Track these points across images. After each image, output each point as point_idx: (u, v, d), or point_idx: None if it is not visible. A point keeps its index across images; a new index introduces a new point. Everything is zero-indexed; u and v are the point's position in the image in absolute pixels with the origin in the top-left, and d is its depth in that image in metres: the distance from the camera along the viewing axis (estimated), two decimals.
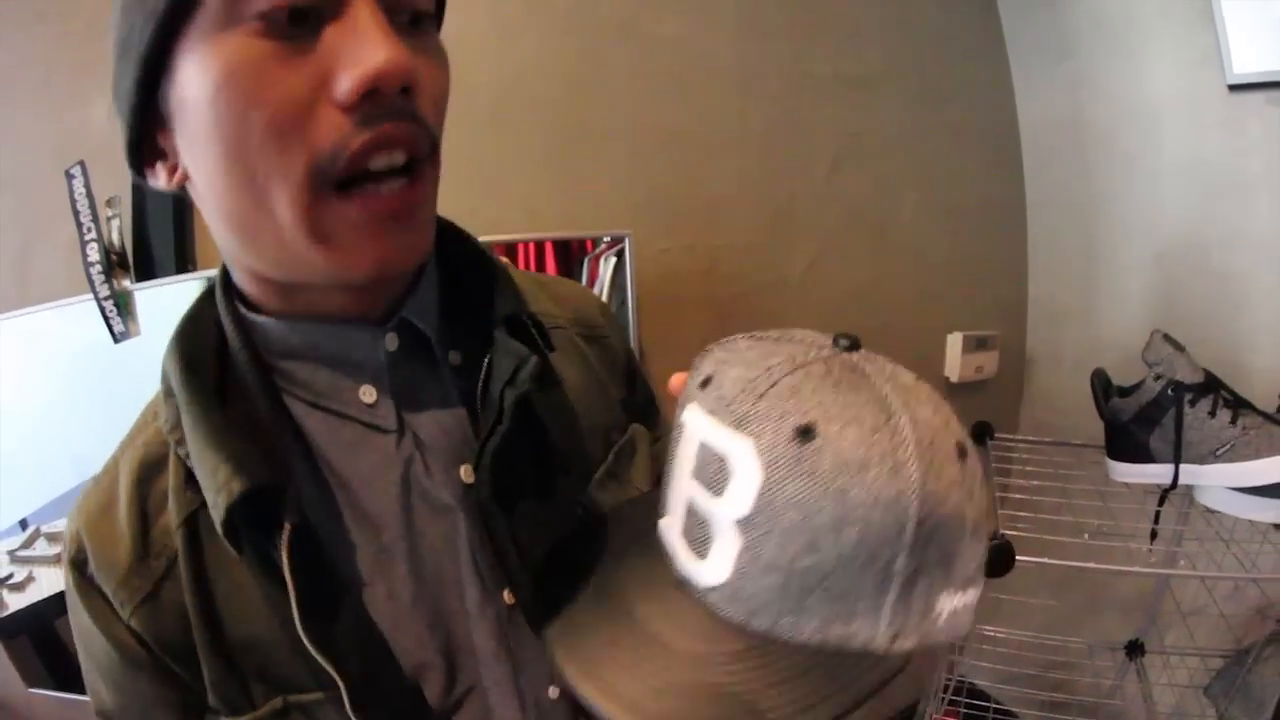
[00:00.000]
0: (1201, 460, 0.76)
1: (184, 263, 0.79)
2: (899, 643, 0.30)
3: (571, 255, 0.99)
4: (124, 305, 0.74)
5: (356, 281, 0.36)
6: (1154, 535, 0.83)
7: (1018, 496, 0.93)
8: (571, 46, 0.99)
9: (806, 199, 1.11)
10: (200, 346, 0.39)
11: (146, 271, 0.77)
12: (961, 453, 0.30)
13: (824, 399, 0.29)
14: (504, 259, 0.48)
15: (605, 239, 0.97)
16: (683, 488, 0.32)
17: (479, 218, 0.88)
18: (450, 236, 0.45)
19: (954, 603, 0.31)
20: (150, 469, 0.39)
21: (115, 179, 0.82)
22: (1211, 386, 0.78)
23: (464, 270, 0.44)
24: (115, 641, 0.38)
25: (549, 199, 1.00)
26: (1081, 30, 1.30)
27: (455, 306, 0.44)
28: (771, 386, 0.30)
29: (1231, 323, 1.15)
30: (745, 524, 0.29)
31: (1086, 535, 0.83)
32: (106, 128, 0.87)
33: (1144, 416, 0.78)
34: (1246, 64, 1.05)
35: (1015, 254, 1.43)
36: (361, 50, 0.31)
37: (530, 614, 0.41)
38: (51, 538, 0.87)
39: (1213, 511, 0.82)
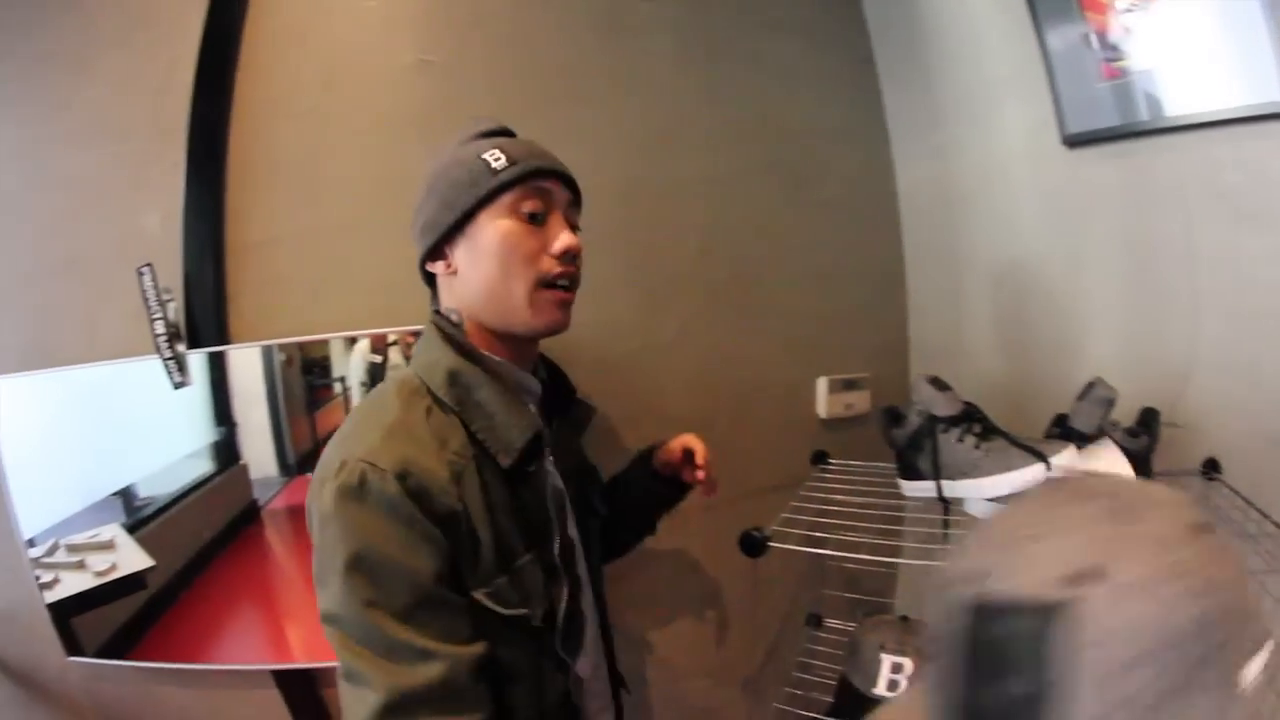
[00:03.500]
0: (953, 477, 0.99)
1: (223, 336, 1.05)
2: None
3: None
4: (181, 364, 1.02)
5: (539, 331, 0.78)
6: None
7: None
8: None
9: (675, 280, 1.35)
10: (459, 368, 0.74)
11: (193, 340, 1.04)
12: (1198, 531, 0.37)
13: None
14: None
15: None
16: None
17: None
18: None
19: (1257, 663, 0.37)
20: (439, 431, 0.71)
21: (167, 271, 1.05)
22: (965, 418, 1.01)
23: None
24: (432, 517, 0.65)
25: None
26: (948, 104, 1.53)
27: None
28: None
29: (1074, 341, 1.35)
30: None
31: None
32: (160, 234, 1.08)
33: (913, 443, 1.02)
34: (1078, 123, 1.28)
35: (896, 303, 1.65)
36: (563, 235, 0.77)
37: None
38: (72, 548, 1.03)
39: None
